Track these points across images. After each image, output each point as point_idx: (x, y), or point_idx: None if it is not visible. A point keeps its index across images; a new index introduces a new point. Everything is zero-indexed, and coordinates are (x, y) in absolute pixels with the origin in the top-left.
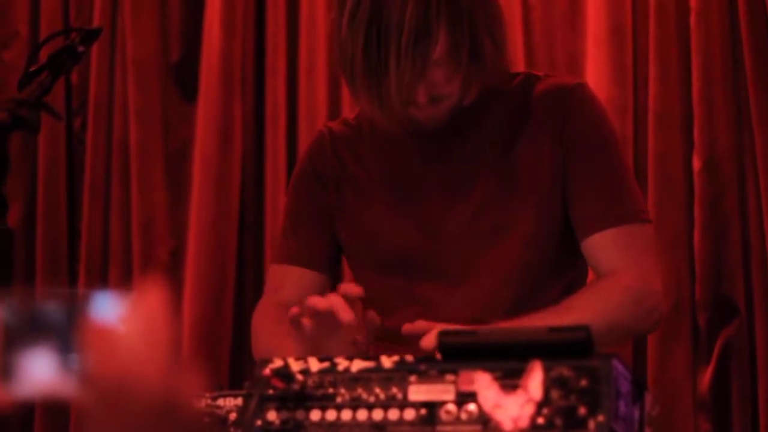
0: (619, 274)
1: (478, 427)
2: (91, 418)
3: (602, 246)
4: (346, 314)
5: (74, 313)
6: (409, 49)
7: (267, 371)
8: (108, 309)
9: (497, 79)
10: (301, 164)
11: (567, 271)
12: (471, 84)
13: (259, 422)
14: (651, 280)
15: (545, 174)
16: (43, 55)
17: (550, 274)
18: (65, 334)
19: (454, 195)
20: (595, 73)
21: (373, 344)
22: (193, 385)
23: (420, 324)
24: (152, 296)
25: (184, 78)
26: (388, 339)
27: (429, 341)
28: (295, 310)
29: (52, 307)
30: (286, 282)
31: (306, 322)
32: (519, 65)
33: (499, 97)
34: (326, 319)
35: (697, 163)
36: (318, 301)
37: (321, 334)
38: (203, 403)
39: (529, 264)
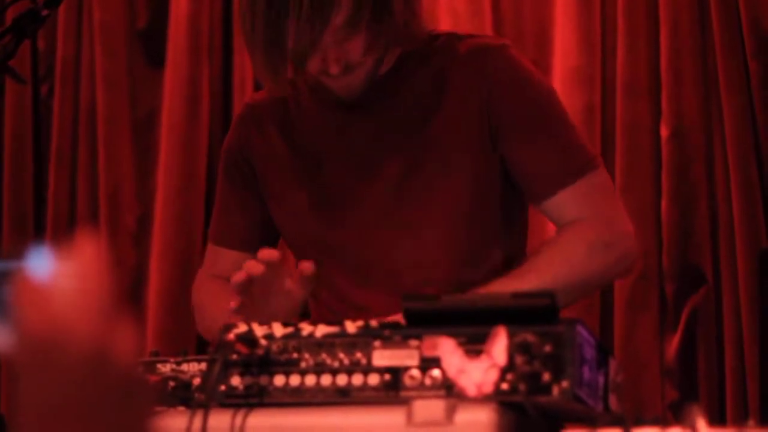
0: (581, 226)
1: (441, 393)
2: (23, 373)
3: (562, 204)
4: (268, 254)
5: (6, 267)
6: (308, 13)
7: (231, 336)
8: (41, 263)
9: (416, 42)
10: (228, 142)
11: (508, 232)
12: (380, 49)
13: (222, 387)
14: (617, 225)
15: (473, 136)
16: (9, 18)
17: (488, 239)
18: None
19: (374, 165)
20: (563, 42)
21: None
22: (128, 340)
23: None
24: (85, 250)
25: (151, 44)
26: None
27: None
28: (237, 278)
29: None
30: (222, 264)
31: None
32: (487, 32)
33: (419, 61)
34: (260, 285)
35: (664, 132)
36: (250, 268)
37: (260, 299)
38: (139, 356)
39: (463, 233)
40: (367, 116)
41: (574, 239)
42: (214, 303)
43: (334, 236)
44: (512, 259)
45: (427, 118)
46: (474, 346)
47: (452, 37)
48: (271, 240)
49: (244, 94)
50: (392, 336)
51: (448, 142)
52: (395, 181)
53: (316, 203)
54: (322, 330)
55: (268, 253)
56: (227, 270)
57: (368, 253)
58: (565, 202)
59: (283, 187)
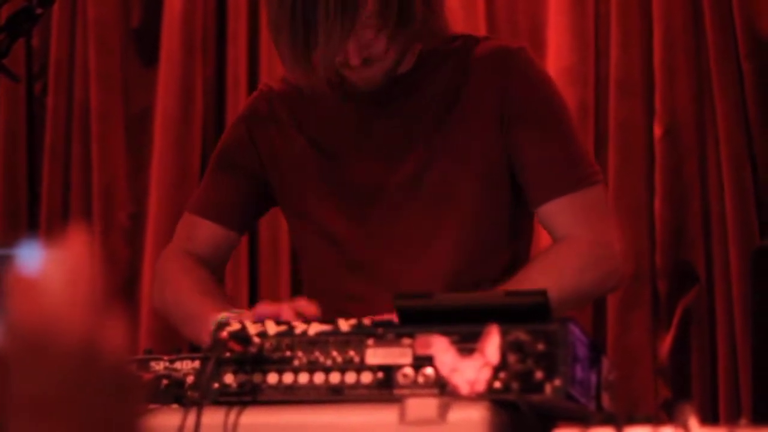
0: (575, 240)
1: (434, 391)
2: (13, 366)
3: (558, 213)
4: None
5: None
6: (338, 7)
7: (224, 334)
8: (32, 257)
9: (435, 41)
10: (237, 123)
11: (515, 236)
12: (401, 45)
13: (216, 385)
14: (609, 243)
15: (488, 137)
16: (3, 17)
17: (497, 240)
18: None
19: (391, 160)
20: (557, 40)
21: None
22: (118, 334)
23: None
24: (76, 244)
25: (145, 42)
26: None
27: None
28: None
29: None
30: (196, 234)
31: None
32: (480, 31)
33: (438, 60)
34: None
35: (658, 131)
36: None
37: None
38: (130, 351)
39: (474, 230)
40: (385, 112)
41: (568, 254)
42: (181, 280)
43: (344, 230)
44: (517, 264)
45: (444, 116)
46: (467, 344)
47: (470, 39)
48: (253, 222)
49: (237, 92)
50: (385, 334)
51: (464, 140)
52: (410, 177)
53: (329, 195)
54: (315, 328)
55: (307, 308)
56: (201, 242)
57: (376, 250)
58: (563, 210)
59: (294, 178)
